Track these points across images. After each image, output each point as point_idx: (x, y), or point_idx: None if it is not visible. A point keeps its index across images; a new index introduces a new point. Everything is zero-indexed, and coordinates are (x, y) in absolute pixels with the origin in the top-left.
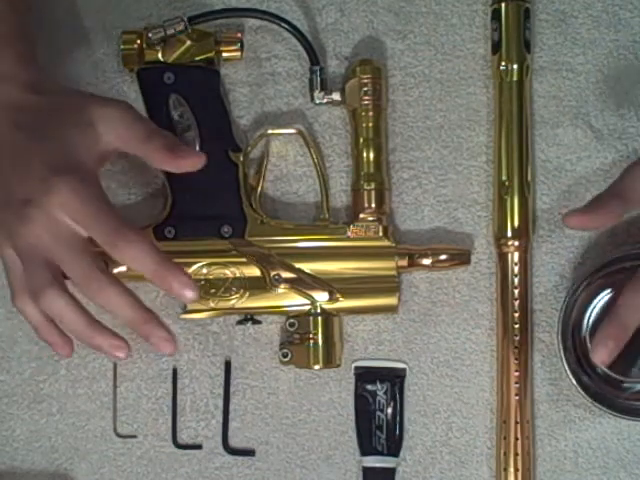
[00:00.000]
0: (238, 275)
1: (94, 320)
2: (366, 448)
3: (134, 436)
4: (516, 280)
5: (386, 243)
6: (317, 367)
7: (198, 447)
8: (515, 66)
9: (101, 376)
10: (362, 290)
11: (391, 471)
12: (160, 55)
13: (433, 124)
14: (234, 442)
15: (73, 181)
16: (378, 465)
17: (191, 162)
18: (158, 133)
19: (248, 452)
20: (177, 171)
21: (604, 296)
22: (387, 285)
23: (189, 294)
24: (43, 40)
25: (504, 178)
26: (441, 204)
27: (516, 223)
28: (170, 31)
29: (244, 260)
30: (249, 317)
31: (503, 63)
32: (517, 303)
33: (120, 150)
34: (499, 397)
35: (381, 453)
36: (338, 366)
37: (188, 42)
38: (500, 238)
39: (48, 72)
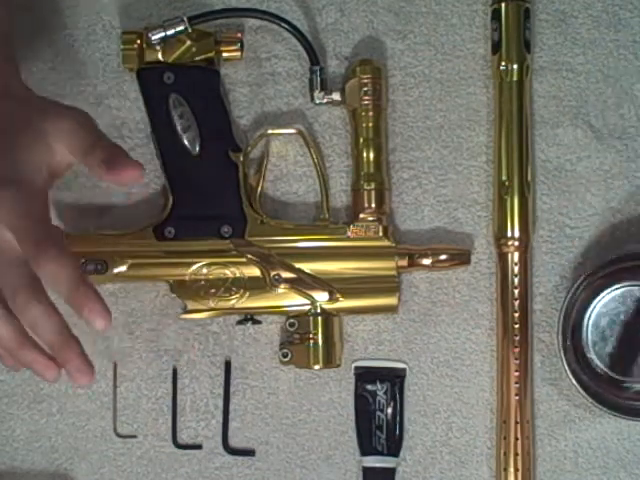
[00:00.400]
0: (238, 275)
1: (27, 336)
2: (366, 448)
3: (134, 436)
4: (516, 280)
5: (386, 243)
6: (317, 367)
7: (198, 447)
8: (515, 66)
9: (101, 376)
10: (362, 290)
11: (391, 471)
12: (160, 55)
13: (433, 124)
14: (234, 442)
15: (15, 195)
16: (378, 465)
17: (128, 176)
18: (100, 145)
19: (248, 452)
20: (119, 185)
21: (604, 296)
22: (387, 285)
23: (99, 323)
24: (43, 40)
25: (504, 178)
26: (441, 204)
27: (516, 223)
28: (170, 31)
29: (244, 260)
30: (249, 317)
31: (503, 63)
32: (517, 303)
33: (73, 162)
34: (499, 397)
35: (381, 453)
36: (338, 366)
37: (188, 42)
38: (500, 238)
39: (48, 72)
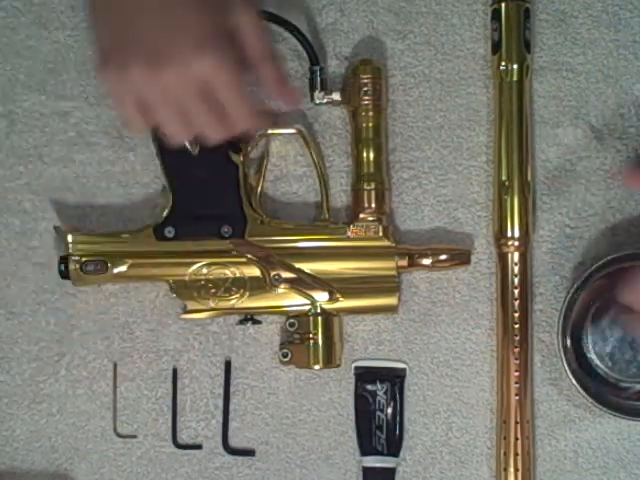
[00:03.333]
0: (238, 275)
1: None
2: (366, 448)
3: (134, 436)
4: (516, 280)
5: (386, 243)
6: (317, 367)
7: (198, 447)
8: (515, 66)
9: (101, 376)
10: (362, 290)
11: (391, 471)
12: None
13: (433, 124)
14: (234, 442)
15: (224, 54)
16: (378, 465)
17: (291, 100)
18: (271, 59)
19: (248, 452)
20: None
21: (604, 296)
22: (387, 285)
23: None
24: (44, 39)
25: (504, 178)
26: (441, 204)
27: (516, 223)
28: None
29: (244, 260)
30: (249, 317)
31: (503, 63)
32: (517, 303)
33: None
34: (499, 397)
35: (381, 453)
36: (338, 366)
37: None
38: (500, 238)
39: (49, 72)
